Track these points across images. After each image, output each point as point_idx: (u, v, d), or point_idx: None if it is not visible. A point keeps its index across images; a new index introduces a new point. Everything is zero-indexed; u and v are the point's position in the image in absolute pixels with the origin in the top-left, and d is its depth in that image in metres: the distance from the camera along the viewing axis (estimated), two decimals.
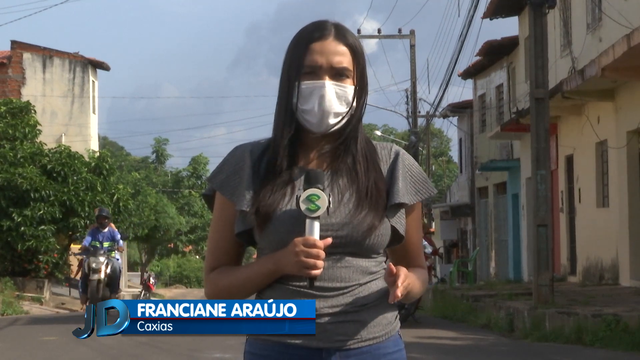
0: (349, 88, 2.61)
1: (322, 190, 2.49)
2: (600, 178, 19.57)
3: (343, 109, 2.60)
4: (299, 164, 2.63)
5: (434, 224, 39.04)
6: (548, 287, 14.51)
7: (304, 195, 2.49)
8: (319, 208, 2.47)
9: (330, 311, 2.53)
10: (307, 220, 2.48)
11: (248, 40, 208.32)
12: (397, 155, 2.67)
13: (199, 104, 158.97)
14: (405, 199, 2.62)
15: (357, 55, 2.64)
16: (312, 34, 2.63)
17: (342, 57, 2.61)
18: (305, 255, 2.46)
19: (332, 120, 2.59)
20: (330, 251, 2.51)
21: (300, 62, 2.61)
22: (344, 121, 2.61)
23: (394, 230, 2.62)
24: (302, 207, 2.48)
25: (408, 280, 2.50)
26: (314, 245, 2.46)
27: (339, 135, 2.63)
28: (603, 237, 18.77)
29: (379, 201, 2.59)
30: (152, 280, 37.26)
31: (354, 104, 2.62)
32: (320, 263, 2.47)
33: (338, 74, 2.60)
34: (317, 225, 2.49)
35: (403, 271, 2.50)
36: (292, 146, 2.63)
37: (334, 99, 2.59)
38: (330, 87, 2.59)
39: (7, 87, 36.44)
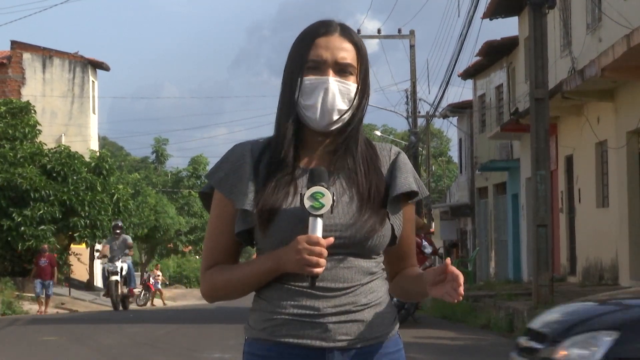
0: (352, 86, 2.60)
1: (327, 188, 2.47)
2: (600, 178, 19.56)
3: (345, 106, 2.59)
4: (300, 164, 2.62)
5: (433, 224, 39.00)
6: (548, 288, 14.51)
7: (308, 192, 2.46)
8: (323, 206, 2.45)
9: (333, 311, 2.52)
10: (310, 218, 2.45)
11: (249, 40, 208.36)
12: (397, 155, 2.67)
13: (199, 104, 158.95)
14: (414, 187, 2.63)
15: (361, 54, 2.63)
16: (318, 30, 2.62)
17: (347, 53, 2.60)
18: (308, 253, 2.43)
19: (334, 117, 2.58)
20: (333, 252, 2.50)
21: (304, 57, 2.60)
22: (346, 118, 2.60)
23: (391, 230, 2.61)
24: (307, 204, 2.44)
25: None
26: (317, 243, 2.44)
27: (339, 135, 2.62)
28: (603, 237, 18.77)
29: (380, 204, 2.59)
30: (151, 280, 37.26)
31: (356, 102, 2.61)
32: (322, 262, 2.45)
33: (342, 70, 2.59)
34: (320, 223, 2.46)
35: (455, 269, 2.51)
36: (293, 146, 2.61)
37: (337, 96, 2.58)
38: (334, 83, 2.58)
39: (7, 87, 36.42)
